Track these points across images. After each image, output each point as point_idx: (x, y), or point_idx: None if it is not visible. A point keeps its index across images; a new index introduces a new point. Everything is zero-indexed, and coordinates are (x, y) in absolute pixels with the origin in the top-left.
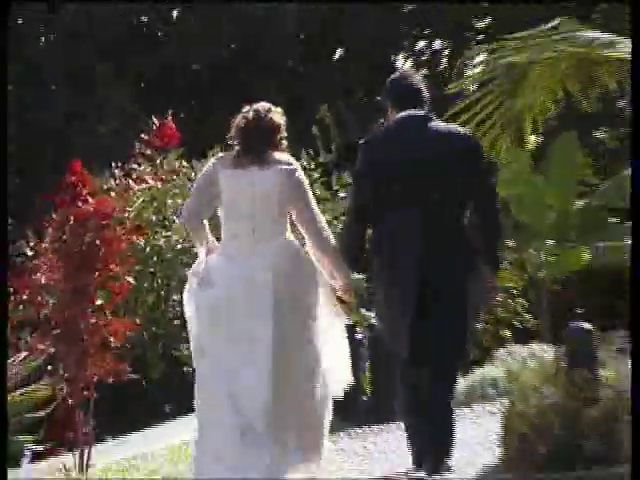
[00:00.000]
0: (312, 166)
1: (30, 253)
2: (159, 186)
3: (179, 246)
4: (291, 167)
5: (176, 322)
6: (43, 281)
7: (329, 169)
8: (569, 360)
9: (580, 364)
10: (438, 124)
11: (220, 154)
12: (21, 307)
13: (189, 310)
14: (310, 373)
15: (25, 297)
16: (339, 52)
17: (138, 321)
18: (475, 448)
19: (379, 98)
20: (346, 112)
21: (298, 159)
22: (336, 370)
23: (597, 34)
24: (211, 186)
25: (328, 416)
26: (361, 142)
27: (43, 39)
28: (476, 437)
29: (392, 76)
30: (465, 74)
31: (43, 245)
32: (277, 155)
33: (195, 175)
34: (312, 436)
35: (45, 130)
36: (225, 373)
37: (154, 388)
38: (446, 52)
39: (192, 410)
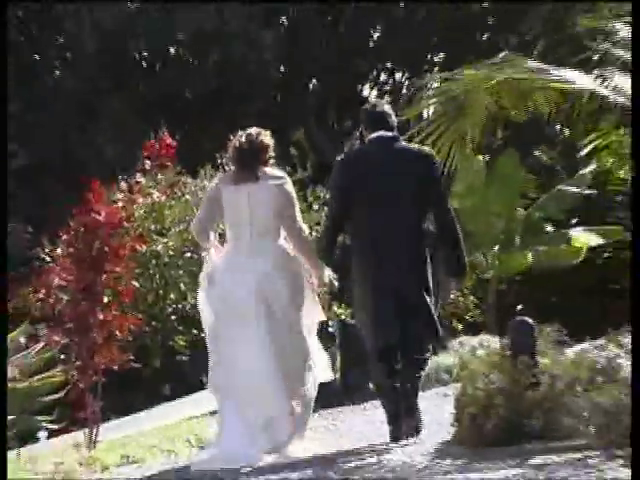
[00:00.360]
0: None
1: (46, 258)
2: (163, 199)
3: (173, 252)
4: (282, 180)
5: (173, 317)
6: (57, 282)
7: (305, 184)
8: (512, 349)
9: (522, 353)
10: (403, 144)
11: (220, 174)
12: (39, 304)
13: (202, 304)
14: (305, 358)
15: (42, 296)
16: (312, 83)
17: (140, 317)
18: (432, 426)
19: (348, 123)
20: (318, 135)
21: None
22: (319, 360)
23: (535, 64)
24: (215, 202)
25: (313, 398)
26: (338, 158)
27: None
28: (433, 416)
29: (366, 105)
30: (421, 100)
31: (58, 251)
32: (268, 170)
33: (188, 190)
34: (302, 414)
35: (50, 143)
36: (235, 353)
37: (154, 374)
38: (405, 82)
39: (187, 393)
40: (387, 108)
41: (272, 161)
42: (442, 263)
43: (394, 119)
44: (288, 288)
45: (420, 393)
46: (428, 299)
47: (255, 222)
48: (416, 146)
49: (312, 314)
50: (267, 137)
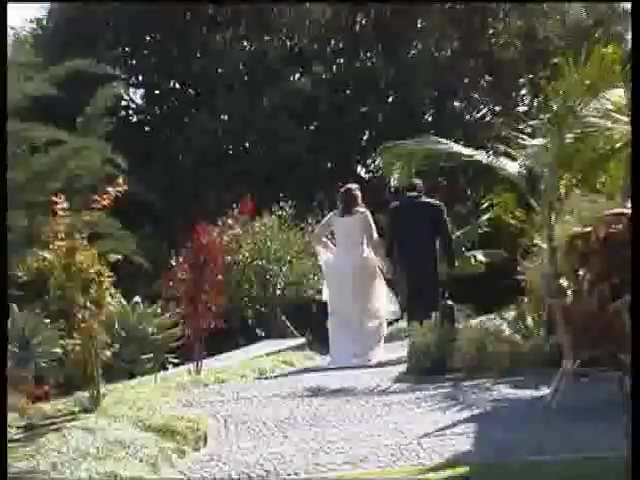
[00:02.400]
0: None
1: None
2: (241, 232)
3: (246, 261)
4: (365, 214)
5: (245, 298)
6: (180, 277)
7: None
8: (441, 319)
9: (447, 321)
10: (423, 199)
11: (332, 212)
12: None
13: (324, 277)
14: (378, 309)
15: (170, 286)
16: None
17: (227, 297)
18: (392, 366)
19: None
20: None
21: None
22: (385, 310)
23: (443, 143)
24: (328, 225)
25: (384, 331)
26: (391, 207)
27: None
28: (393, 358)
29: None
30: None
31: (180, 259)
32: (358, 207)
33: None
34: (376, 338)
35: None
36: (340, 314)
37: (234, 331)
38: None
39: (253, 342)
40: (417, 181)
41: (360, 202)
42: (443, 260)
43: (420, 185)
44: (367, 269)
45: (389, 344)
46: (436, 282)
47: (350, 237)
48: (430, 199)
49: (380, 282)
50: (357, 190)
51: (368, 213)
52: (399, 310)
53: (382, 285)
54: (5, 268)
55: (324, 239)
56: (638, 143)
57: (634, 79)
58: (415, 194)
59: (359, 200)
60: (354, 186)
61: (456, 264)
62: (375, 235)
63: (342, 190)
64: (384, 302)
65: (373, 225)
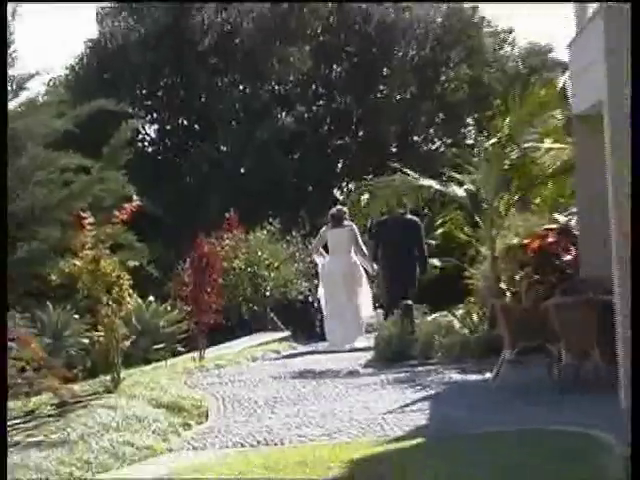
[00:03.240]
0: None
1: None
2: (234, 244)
3: (240, 267)
4: (351, 226)
5: (240, 298)
6: (187, 280)
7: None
8: (401, 315)
9: (406, 317)
10: (407, 216)
11: (325, 227)
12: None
13: (320, 279)
14: (359, 306)
15: (178, 288)
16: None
17: (226, 297)
18: (365, 352)
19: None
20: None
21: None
22: (366, 306)
23: (410, 179)
24: (323, 237)
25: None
26: (379, 220)
27: None
28: (364, 347)
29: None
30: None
31: (185, 266)
32: (345, 222)
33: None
34: (360, 327)
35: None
36: (333, 307)
37: (231, 326)
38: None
39: (248, 334)
40: (403, 208)
41: (347, 218)
42: (418, 266)
43: (405, 205)
44: (354, 272)
45: (362, 335)
46: (414, 280)
47: (340, 245)
48: (412, 216)
49: (365, 284)
50: (344, 209)
51: (354, 226)
52: (373, 308)
53: (366, 284)
54: (5, 269)
55: (320, 249)
56: (638, 143)
57: (634, 79)
58: (402, 211)
59: (346, 216)
60: (342, 207)
61: (426, 269)
62: (361, 243)
63: (334, 209)
64: (368, 299)
65: (359, 236)
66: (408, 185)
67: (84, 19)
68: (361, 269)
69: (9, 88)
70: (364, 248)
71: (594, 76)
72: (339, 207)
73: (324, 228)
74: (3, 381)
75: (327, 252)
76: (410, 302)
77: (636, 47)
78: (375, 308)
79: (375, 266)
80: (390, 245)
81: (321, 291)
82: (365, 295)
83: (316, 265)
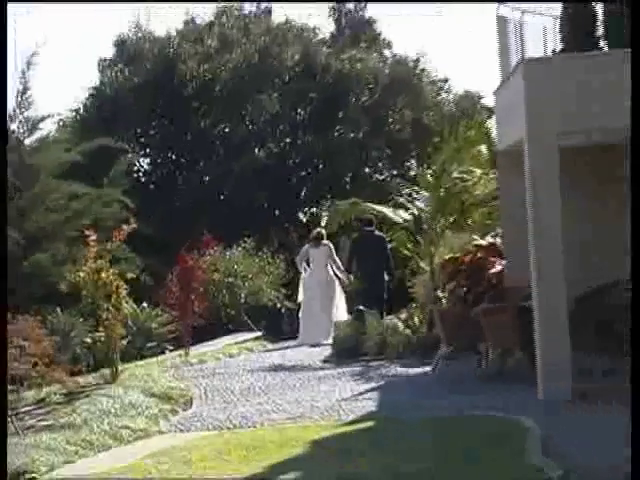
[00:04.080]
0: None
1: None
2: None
3: (218, 280)
4: (328, 245)
5: (221, 303)
6: (173, 289)
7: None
8: (356, 319)
9: (359, 320)
10: (376, 232)
11: (307, 245)
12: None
13: (300, 287)
14: (332, 311)
15: (167, 295)
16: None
17: (206, 303)
18: (326, 350)
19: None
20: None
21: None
22: (341, 311)
23: (363, 205)
24: (305, 253)
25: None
26: (353, 237)
27: None
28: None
29: (362, 217)
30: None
31: (173, 277)
32: (323, 241)
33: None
34: (329, 329)
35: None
36: (309, 311)
37: (213, 327)
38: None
39: (226, 334)
40: (371, 217)
41: (324, 238)
42: (387, 274)
43: (374, 222)
44: (329, 283)
45: (330, 336)
46: (384, 289)
47: (318, 260)
48: (380, 233)
49: (339, 292)
50: (324, 231)
51: (331, 245)
52: (347, 312)
53: (340, 293)
54: (5, 271)
55: (303, 263)
56: (638, 143)
57: (634, 79)
58: (372, 228)
59: (324, 237)
60: (321, 229)
61: (393, 276)
62: (336, 258)
63: (314, 231)
64: (342, 305)
65: (334, 253)
66: (363, 209)
67: (87, 70)
68: (336, 280)
69: (26, 127)
70: (339, 262)
71: (515, 118)
72: (319, 230)
73: (306, 246)
74: (3, 381)
75: (308, 265)
76: (362, 307)
77: (636, 47)
78: (349, 313)
79: (351, 277)
80: (363, 258)
81: (301, 297)
82: (340, 302)
83: (299, 275)
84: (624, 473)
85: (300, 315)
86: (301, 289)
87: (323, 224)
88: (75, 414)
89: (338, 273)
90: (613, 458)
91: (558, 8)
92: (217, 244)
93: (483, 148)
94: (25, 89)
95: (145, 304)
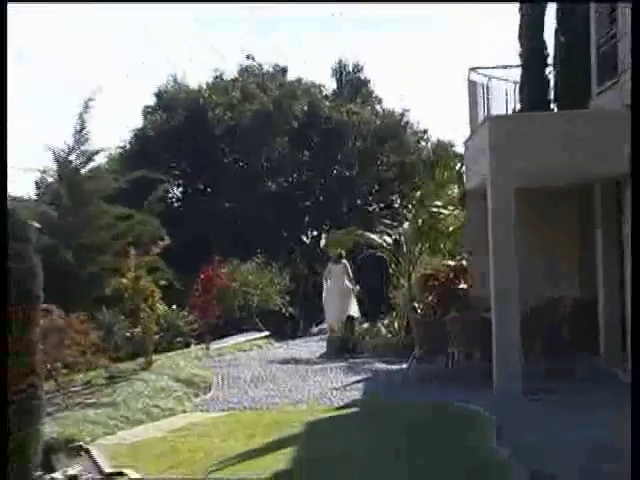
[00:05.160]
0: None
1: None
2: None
3: (235, 288)
4: (344, 263)
5: (235, 308)
6: (197, 295)
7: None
8: (345, 324)
9: (349, 324)
10: (377, 254)
11: (330, 263)
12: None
13: (324, 299)
14: (347, 309)
15: (192, 299)
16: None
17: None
18: (321, 349)
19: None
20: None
21: None
22: (354, 310)
23: (358, 233)
24: (329, 269)
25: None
26: (360, 257)
27: None
28: (320, 346)
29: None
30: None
31: (197, 285)
32: (342, 260)
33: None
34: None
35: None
36: (330, 309)
37: (228, 325)
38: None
39: (240, 333)
40: (377, 243)
41: (343, 257)
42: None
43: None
44: (346, 292)
45: (316, 341)
46: (382, 296)
47: (338, 275)
48: (380, 254)
49: (353, 297)
50: (343, 252)
51: (347, 263)
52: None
53: (353, 297)
54: (5, 273)
55: (328, 277)
56: (639, 143)
57: (634, 80)
58: (374, 251)
59: (343, 256)
60: (341, 251)
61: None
62: (350, 273)
63: (336, 252)
64: (355, 306)
65: (349, 269)
66: (357, 236)
67: (131, 114)
68: (351, 288)
69: (82, 159)
70: (351, 275)
71: (480, 164)
72: (339, 251)
73: (330, 264)
74: (3, 381)
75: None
76: (352, 314)
77: (636, 47)
78: (359, 312)
79: (357, 287)
80: (367, 274)
81: (325, 299)
82: (353, 304)
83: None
84: (560, 451)
85: (324, 304)
86: (324, 294)
87: (322, 244)
88: (115, 394)
89: (349, 284)
90: (553, 442)
91: (518, 75)
92: (225, 264)
93: (454, 188)
94: (82, 128)
95: (174, 306)
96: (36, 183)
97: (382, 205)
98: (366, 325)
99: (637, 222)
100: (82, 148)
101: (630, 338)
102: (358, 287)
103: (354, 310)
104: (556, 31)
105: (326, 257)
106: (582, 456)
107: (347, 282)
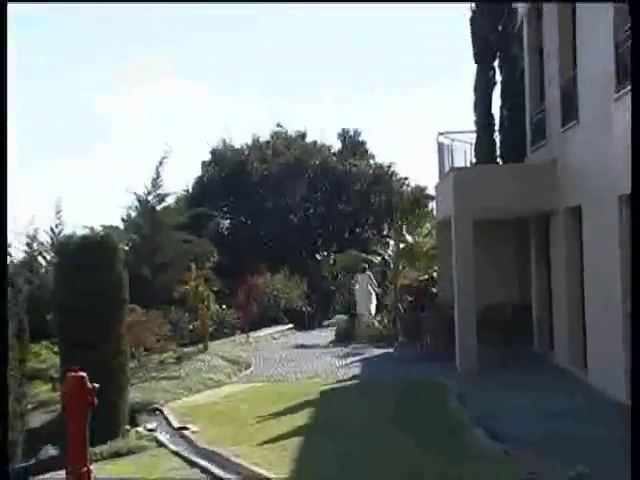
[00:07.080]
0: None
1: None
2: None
3: (270, 292)
4: (369, 274)
5: (267, 307)
6: (240, 298)
7: None
8: (349, 317)
9: (353, 318)
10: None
11: (358, 273)
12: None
13: (356, 298)
14: (370, 306)
15: (237, 300)
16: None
17: (260, 306)
18: (329, 336)
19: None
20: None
21: None
22: (374, 307)
23: (357, 254)
24: (357, 278)
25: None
26: (371, 272)
27: None
28: (330, 334)
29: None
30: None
31: (240, 290)
32: (367, 271)
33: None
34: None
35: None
36: (360, 304)
37: (264, 322)
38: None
39: (271, 326)
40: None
41: (367, 268)
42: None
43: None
44: (369, 294)
45: (327, 331)
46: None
47: (363, 281)
48: (384, 269)
49: (374, 298)
50: (366, 266)
51: (370, 273)
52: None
53: (374, 298)
54: (5, 273)
55: (356, 283)
56: (639, 143)
57: (634, 81)
58: (381, 267)
59: (366, 269)
60: (365, 265)
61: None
62: (373, 280)
63: (363, 265)
64: (374, 305)
65: (372, 277)
66: (355, 256)
67: (191, 167)
68: (373, 292)
69: (157, 199)
70: (374, 282)
71: (447, 202)
72: (364, 265)
73: (358, 274)
74: (3, 381)
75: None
76: (355, 312)
77: (636, 48)
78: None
79: (379, 289)
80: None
81: (356, 299)
82: (372, 303)
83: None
84: (504, 414)
85: (357, 306)
86: (356, 295)
87: (331, 262)
88: (181, 370)
89: (369, 289)
90: (501, 408)
91: (473, 138)
92: (263, 271)
93: (427, 220)
94: (157, 176)
95: (224, 306)
96: (122, 219)
97: (375, 232)
98: (365, 319)
99: (637, 224)
100: (157, 191)
101: (630, 337)
102: (378, 289)
103: (371, 307)
104: (500, 107)
105: (336, 271)
106: (522, 412)
107: (369, 287)
